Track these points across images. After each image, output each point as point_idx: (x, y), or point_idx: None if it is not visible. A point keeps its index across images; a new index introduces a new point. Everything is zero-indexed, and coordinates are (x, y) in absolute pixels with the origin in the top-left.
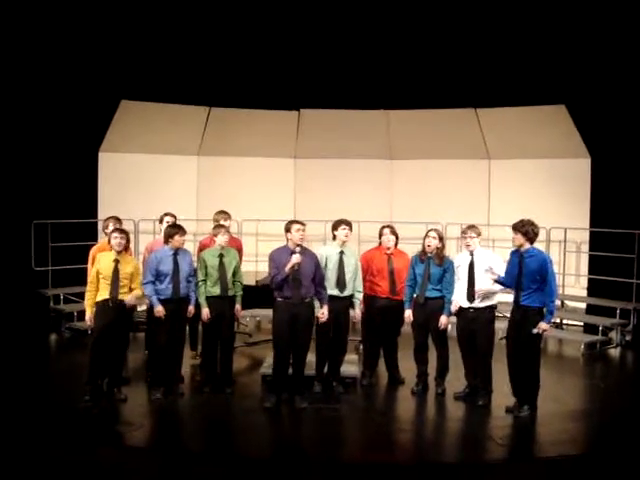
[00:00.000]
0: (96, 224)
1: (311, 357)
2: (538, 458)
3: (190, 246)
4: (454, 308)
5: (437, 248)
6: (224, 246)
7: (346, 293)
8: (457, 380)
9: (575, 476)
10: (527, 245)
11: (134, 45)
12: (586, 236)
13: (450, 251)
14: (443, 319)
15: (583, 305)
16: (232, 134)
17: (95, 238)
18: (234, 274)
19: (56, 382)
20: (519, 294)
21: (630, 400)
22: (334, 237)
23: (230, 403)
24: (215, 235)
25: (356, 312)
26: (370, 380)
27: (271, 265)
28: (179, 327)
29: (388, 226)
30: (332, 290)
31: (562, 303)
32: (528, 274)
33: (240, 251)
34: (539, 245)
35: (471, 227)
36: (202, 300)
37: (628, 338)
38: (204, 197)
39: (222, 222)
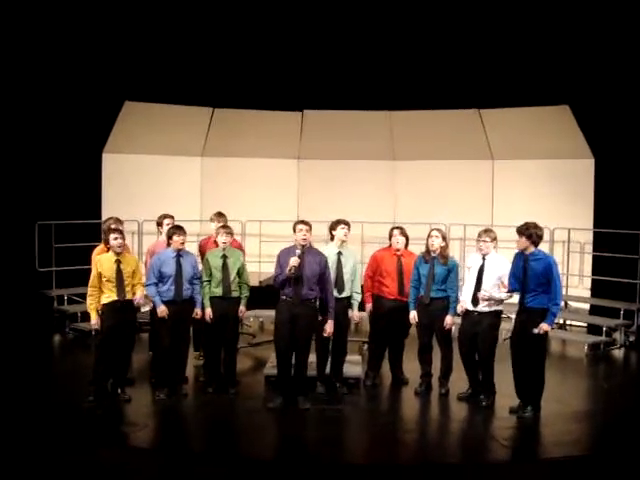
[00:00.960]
0: (100, 225)
1: (312, 358)
2: (542, 459)
3: (194, 247)
4: (460, 309)
5: (441, 247)
6: (227, 247)
7: (344, 294)
8: (461, 381)
9: (579, 477)
10: (532, 248)
11: (138, 46)
12: (590, 237)
13: (453, 252)
14: (448, 319)
15: (587, 306)
16: (236, 135)
17: (99, 239)
18: (240, 275)
19: (60, 383)
20: (524, 296)
21: (634, 401)
22: (332, 237)
23: (234, 404)
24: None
25: (354, 313)
26: (374, 381)
27: (276, 264)
28: (183, 328)
29: (398, 227)
30: None
31: (566, 304)
32: (533, 277)
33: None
34: (542, 246)
35: (487, 231)
36: (206, 300)
37: (632, 339)
38: (208, 198)
39: (217, 223)
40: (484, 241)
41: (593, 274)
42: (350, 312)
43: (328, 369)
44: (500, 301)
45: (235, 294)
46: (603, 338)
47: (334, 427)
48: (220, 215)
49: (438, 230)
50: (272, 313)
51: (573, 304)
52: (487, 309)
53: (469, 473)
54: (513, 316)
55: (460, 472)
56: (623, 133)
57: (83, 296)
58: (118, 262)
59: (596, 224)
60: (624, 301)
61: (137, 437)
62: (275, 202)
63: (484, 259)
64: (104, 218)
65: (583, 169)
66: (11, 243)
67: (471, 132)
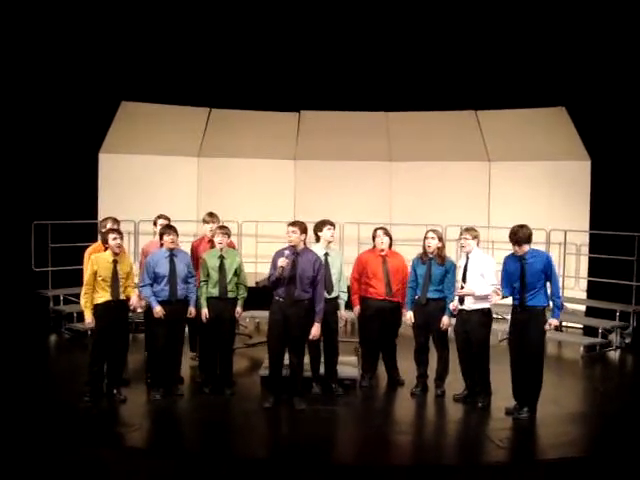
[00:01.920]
0: (96, 225)
1: (307, 359)
2: (538, 460)
3: (189, 248)
4: (452, 307)
5: (437, 248)
6: (224, 247)
7: (333, 295)
8: (457, 382)
9: (574, 479)
10: (526, 247)
11: (134, 46)
12: (586, 238)
13: (450, 253)
14: (445, 320)
15: (583, 307)
16: (232, 135)
17: (95, 239)
18: (237, 276)
19: (56, 383)
20: (524, 296)
21: (629, 402)
22: (317, 238)
23: (229, 404)
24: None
25: (341, 313)
26: (369, 382)
27: (271, 265)
28: (178, 328)
29: (381, 228)
30: None
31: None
32: (534, 274)
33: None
34: (539, 247)
35: (468, 229)
36: (202, 301)
37: (628, 341)
38: (204, 198)
39: (212, 224)
40: (465, 239)
41: (589, 276)
42: (339, 312)
43: (323, 370)
44: (484, 297)
45: (232, 295)
46: (599, 340)
47: (329, 428)
48: (212, 215)
49: (434, 231)
50: (267, 314)
51: (569, 306)
52: (475, 306)
53: (465, 474)
54: (508, 317)
55: (456, 473)
56: (619, 135)
57: (79, 296)
58: (115, 262)
59: (592, 226)
60: (620, 303)
61: (132, 437)
62: (272, 203)
63: (468, 257)
64: (100, 218)
65: (579, 171)
66: (7, 243)
67: (468, 133)
